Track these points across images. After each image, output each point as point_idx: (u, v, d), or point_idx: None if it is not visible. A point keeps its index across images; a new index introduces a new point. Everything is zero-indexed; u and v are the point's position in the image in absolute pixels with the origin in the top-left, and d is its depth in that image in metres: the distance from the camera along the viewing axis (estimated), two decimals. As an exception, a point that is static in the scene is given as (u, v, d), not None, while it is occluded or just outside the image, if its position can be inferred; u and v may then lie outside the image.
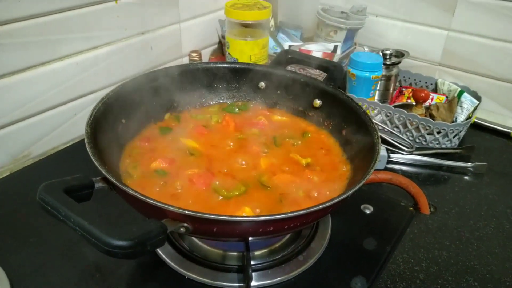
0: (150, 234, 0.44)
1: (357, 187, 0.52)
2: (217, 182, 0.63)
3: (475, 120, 1.00)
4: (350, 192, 0.52)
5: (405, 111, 0.92)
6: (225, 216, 0.48)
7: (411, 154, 0.89)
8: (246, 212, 0.58)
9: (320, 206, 0.49)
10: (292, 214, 0.48)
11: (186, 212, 0.46)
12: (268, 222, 0.49)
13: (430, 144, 0.93)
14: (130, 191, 0.48)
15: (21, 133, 0.83)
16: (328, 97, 0.75)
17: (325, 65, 0.79)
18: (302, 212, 0.48)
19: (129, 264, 0.63)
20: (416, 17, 1.10)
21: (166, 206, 0.47)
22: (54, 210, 0.45)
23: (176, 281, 0.60)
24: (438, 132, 0.90)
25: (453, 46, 1.07)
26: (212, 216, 0.47)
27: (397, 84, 1.11)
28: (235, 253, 0.63)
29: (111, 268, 0.62)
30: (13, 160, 0.83)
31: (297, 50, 0.99)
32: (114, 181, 0.49)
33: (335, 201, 0.50)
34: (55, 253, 0.64)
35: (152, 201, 0.47)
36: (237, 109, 0.82)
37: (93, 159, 0.52)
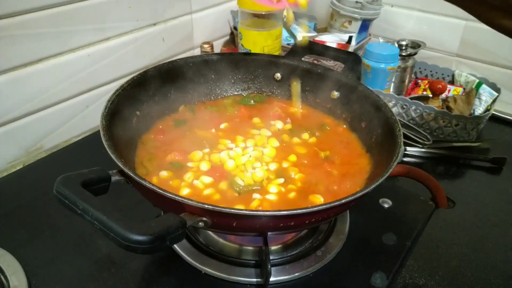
0: (170, 228, 0.43)
1: (380, 181, 0.51)
2: (234, 175, 0.62)
3: (494, 112, 0.98)
4: (372, 187, 0.50)
5: (422, 103, 0.90)
6: (246, 210, 0.47)
7: (428, 147, 0.87)
8: (264, 206, 0.57)
9: (343, 201, 0.47)
10: (314, 208, 0.47)
11: (206, 206, 0.45)
12: (289, 217, 0.48)
13: (447, 137, 0.91)
14: (148, 185, 0.47)
15: (34, 126, 0.82)
16: (346, 88, 0.73)
17: (343, 56, 0.77)
18: (323, 206, 0.47)
19: (144, 258, 0.62)
20: (432, 7, 1.08)
21: (185, 200, 0.46)
22: (72, 204, 0.44)
23: (192, 275, 0.59)
24: (456, 125, 0.89)
25: (471, 36, 1.05)
26: (232, 211, 0.46)
27: (413, 75, 1.09)
28: (251, 248, 0.62)
29: (126, 261, 0.61)
30: (26, 152, 0.83)
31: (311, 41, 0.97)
32: (132, 174, 0.48)
33: (357, 195, 0.49)
34: (69, 245, 0.64)
35: (171, 195, 0.46)
36: (252, 101, 0.80)
37: (109, 152, 0.51)
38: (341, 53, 0.78)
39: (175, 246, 0.62)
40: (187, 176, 0.61)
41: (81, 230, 0.65)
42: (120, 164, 0.49)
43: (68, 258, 0.62)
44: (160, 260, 0.62)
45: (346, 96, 0.74)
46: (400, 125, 0.60)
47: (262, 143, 0.69)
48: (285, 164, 0.65)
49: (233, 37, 1.18)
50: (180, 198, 0.46)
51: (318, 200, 0.58)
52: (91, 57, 0.87)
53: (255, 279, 0.58)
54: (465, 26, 1.05)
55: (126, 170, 0.49)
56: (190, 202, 0.46)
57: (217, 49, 1.16)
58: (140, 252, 0.41)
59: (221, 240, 0.64)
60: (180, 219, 0.44)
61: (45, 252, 0.62)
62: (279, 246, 0.63)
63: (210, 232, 0.64)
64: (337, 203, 0.47)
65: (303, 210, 0.46)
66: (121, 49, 0.92)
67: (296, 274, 0.59)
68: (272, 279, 0.58)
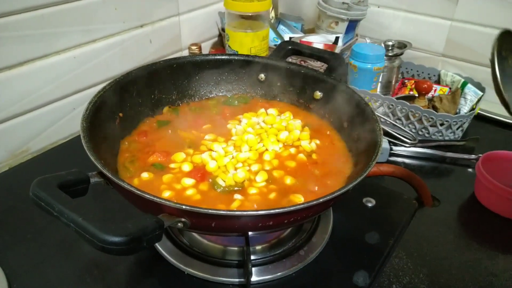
0: (146, 229, 0.43)
1: (358, 180, 0.51)
2: (216, 175, 0.62)
3: (479, 111, 0.99)
4: (351, 186, 0.50)
5: (408, 103, 0.90)
6: (223, 210, 0.47)
7: (413, 147, 0.88)
8: (245, 206, 0.57)
9: (321, 200, 0.48)
10: (292, 208, 0.47)
11: (183, 207, 0.45)
12: (267, 217, 0.48)
13: (433, 136, 0.91)
14: (126, 186, 0.47)
15: (20, 128, 0.82)
16: (329, 88, 0.74)
17: (326, 56, 0.78)
18: (302, 206, 0.47)
19: (128, 260, 0.62)
20: (418, 7, 1.09)
21: (163, 201, 0.46)
22: (47, 206, 0.44)
23: (175, 276, 0.59)
24: (441, 124, 0.89)
25: (457, 36, 1.06)
26: (209, 211, 0.46)
27: (400, 75, 1.09)
28: (236, 248, 0.62)
29: (110, 265, 0.61)
30: (12, 155, 0.83)
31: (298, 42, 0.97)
32: (110, 175, 0.48)
33: (335, 194, 0.49)
34: (53, 249, 0.63)
35: (148, 196, 0.46)
36: (236, 102, 0.80)
37: (88, 154, 0.51)
38: (323, 53, 0.78)
39: (159, 247, 0.62)
40: (168, 177, 0.61)
41: (65, 234, 0.65)
42: (98, 165, 0.49)
43: (52, 262, 0.61)
44: (144, 262, 0.62)
45: (329, 96, 0.74)
46: (380, 124, 0.60)
47: (244, 144, 0.69)
48: (266, 165, 0.65)
49: (221, 39, 1.19)
50: (157, 199, 0.46)
51: (299, 199, 0.58)
52: (77, 59, 0.87)
53: (237, 279, 0.58)
54: (450, 26, 1.05)
55: (104, 171, 0.49)
56: (167, 203, 0.46)
57: (205, 51, 1.16)
58: (116, 253, 0.41)
59: (205, 241, 0.64)
60: (157, 220, 0.44)
61: (28, 256, 0.62)
62: (262, 246, 0.63)
63: (194, 233, 0.64)
64: (314, 202, 0.47)
65: (281, 210, 0.46)
66: (108, 51, 0.92)
67: (279, 273, 0.59)
68: (255, 278, 0.58)
